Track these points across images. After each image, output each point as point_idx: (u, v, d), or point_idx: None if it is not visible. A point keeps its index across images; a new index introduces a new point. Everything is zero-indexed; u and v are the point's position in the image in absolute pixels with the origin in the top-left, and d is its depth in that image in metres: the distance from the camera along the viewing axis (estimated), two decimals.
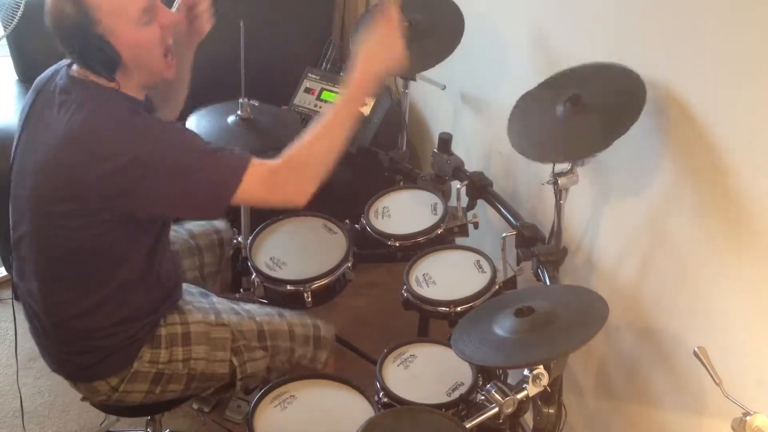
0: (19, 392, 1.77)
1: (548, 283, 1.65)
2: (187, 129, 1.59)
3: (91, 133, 1.40)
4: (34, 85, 1.56)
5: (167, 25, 1.49)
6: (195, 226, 2.01)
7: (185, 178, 1.42)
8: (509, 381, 1.64)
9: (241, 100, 2.01)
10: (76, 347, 1.57)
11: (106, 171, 1.36)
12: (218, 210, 1.49)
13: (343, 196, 2.67)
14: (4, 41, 2.62)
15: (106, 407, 1.74)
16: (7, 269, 2.64)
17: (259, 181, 1.46)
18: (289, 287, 1.88)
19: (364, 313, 2.64)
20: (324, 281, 1.88)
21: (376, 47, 1.52)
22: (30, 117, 1.51)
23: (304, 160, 1.51)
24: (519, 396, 1.34)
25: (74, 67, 1.48)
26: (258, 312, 1.76)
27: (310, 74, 2.53)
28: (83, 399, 1.68)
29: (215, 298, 1.78)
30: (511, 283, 1.84)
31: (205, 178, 1.43)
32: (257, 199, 1.51)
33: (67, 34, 1.41)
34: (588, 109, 1.50)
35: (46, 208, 1.45)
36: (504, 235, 1.82)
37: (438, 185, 2.12)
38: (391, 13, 1.53)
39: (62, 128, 1.40)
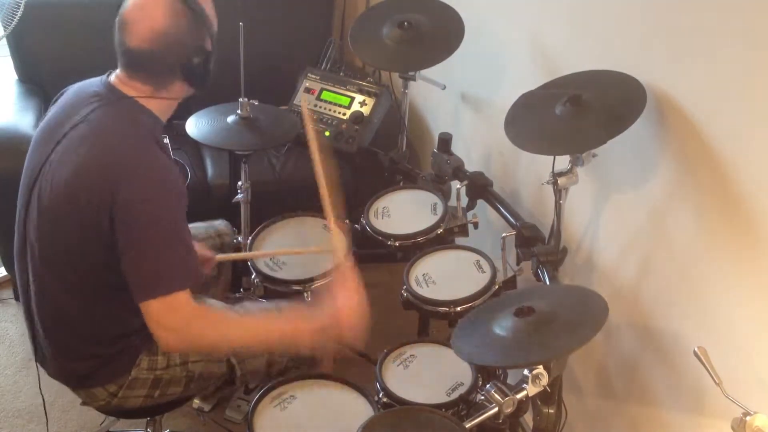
0: (41, 393, 1.76)
1: (548, 283, 1.65)
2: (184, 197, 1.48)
3: (117, 165, 1.40)
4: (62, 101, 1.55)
5: None
6: (194, 228, 2.00)
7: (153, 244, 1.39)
8: (509, 381, 1.64)
9: (240, 100, 2.01)
10: (75, 354, 1.57)
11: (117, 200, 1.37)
12: (136, 296, 1.40)
13: (343, 196, 2.67)
14: (4, 41, 2.62)
15: (107, 411, 1.74)
16: (7, 269, 2.64)
17: (178, 306, 1.39)
18: (289, 287, 1.88)
19: None
20: (324, 281, 1.88)
21: (355, 310, 1.48)
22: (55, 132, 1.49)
23: (212, 340, 1.48)
24: (519, 396, 1.34)
25: (114, 78, 1.49)
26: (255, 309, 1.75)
27: (310, 74, 2.53)
28: (83, 403, 1.68)
29: (211, 300, 1.77)
30: (511, 283, 1.84)
31: (159, 261, 1.39)
32: (153, 317, 1.40)
33: (176, 50, 1.41)
34: (588, 109, 1.50)
35: (55, 223, 1.45)
36: (504, 235, 1.82)
37: (438, 185, 2.12)
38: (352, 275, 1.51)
39: (93, 146, 1.41)
